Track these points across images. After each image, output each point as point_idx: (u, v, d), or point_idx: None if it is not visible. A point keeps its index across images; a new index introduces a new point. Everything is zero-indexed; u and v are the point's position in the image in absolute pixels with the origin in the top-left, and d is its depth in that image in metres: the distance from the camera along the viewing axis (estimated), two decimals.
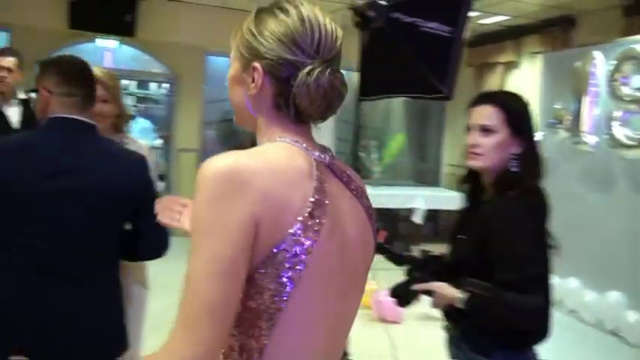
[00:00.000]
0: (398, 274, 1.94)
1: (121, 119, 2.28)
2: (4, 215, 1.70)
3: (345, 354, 1.15)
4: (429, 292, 1.76)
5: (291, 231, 0.93)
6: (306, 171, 0.98)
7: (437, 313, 1.84)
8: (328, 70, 0.99)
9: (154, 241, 1.90)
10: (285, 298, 0.94)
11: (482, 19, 6.68)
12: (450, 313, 1.78)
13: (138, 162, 1.88)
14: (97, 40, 6.94)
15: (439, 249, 1.99)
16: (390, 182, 7.58)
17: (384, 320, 4.43)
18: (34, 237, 1.70)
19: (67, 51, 7.05)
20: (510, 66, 7.40)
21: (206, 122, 7.67)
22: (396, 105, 8.53)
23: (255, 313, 0.95)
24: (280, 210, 0.93)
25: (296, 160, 0.99)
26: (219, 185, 0.91)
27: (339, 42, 1.03)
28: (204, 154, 6.82)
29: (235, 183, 0.91)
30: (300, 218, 0.94)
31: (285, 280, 0.93)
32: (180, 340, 0.89)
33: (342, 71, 1.04)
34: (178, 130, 7.42)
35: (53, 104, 1.76)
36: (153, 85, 8.21)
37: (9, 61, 3.41)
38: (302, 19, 1.00)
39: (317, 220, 0.95)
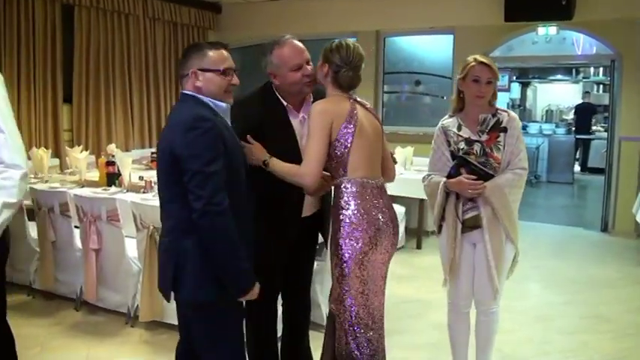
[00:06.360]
0: None
1: (494, 96, 2.96)
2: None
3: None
4: None
5: (343, 124, 2.46)
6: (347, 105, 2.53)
7: None
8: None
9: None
10: (347, 149, 2.47)
11: None
12: None
13: (181, 124, 2.07)
14: (538, 28, 6.91)
15: None
16: None
17: None
18: None
19: (505, 44, 7.29)
20: None
21: None
22: None
23: (336, 158, 2.50)
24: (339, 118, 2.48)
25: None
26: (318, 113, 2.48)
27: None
28: None
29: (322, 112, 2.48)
30: (346, 121, 2.47)
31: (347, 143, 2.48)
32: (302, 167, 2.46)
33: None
34: (621, 116, 6.70)
35: None
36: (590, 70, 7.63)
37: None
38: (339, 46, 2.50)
39: (354, 120, 2.48)
